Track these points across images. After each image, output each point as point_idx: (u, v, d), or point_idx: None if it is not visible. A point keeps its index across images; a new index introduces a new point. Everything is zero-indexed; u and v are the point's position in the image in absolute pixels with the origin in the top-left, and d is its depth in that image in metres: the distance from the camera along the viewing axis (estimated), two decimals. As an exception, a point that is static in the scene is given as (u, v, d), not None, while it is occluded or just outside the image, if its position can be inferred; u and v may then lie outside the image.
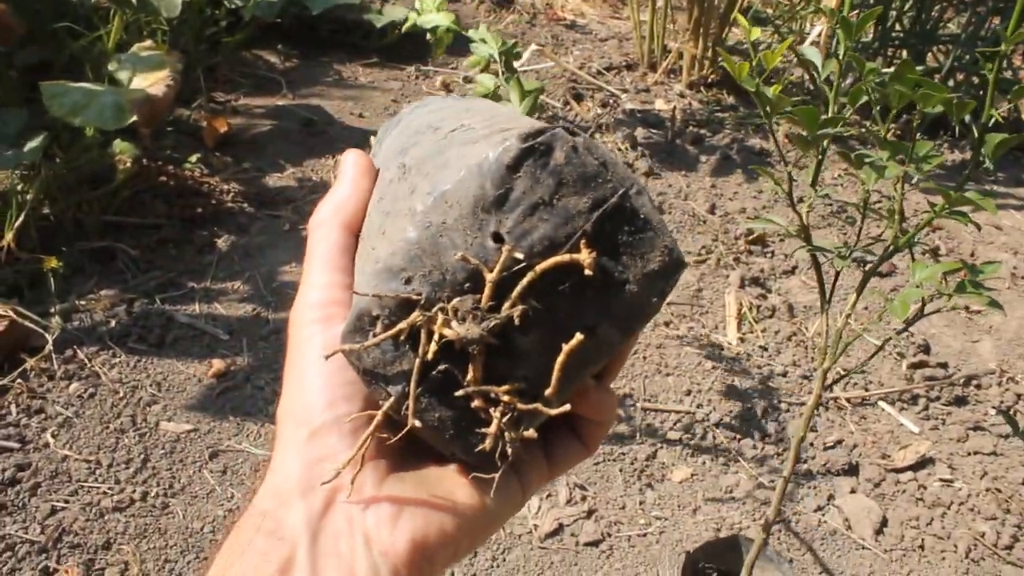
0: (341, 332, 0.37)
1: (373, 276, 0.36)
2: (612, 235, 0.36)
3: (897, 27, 2.61)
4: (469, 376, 0.36)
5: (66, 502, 1.36)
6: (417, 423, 0.37)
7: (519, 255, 0.34)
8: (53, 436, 1.46)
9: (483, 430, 0.37)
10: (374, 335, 0.36)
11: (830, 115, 0.91)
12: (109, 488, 1.40)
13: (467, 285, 0.35)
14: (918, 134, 0.87)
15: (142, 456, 1.45)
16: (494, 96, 1.13)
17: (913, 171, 0.90)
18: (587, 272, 0.35)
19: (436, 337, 0.35)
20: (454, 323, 0.35)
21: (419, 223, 0.35)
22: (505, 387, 0.36)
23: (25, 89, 1.90)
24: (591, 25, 3.09)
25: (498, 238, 0.35)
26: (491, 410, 0.37)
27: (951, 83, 2.52)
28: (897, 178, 0.91)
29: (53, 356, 1.59)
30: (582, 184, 0.35)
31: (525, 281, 0.35)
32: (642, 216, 0.36)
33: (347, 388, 0.39)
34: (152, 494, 1.40)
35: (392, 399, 0.37)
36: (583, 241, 0.35)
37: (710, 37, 2.65)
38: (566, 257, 0.35)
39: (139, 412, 1.53)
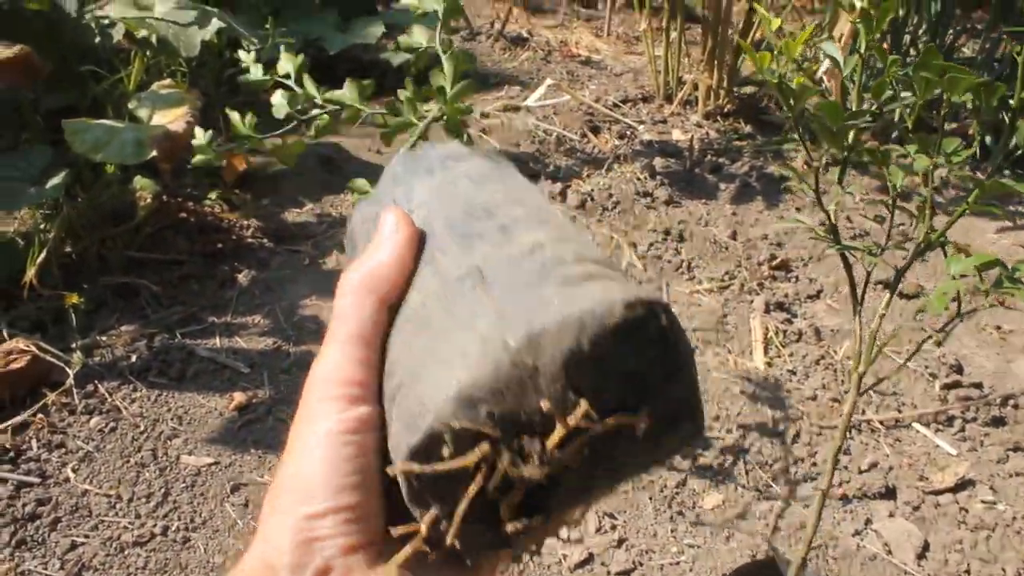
0: (408, 448, 0.36)
1: (452, 402, 0.35)
2: (665, 400, 0.37)
3: (912, 52, 2.61)
4: (508, 505, 0.37)
5: (86, 537, 1.34)
6: (457, 544, 0.37)
7: (594, 414, 0.35)
8: (74, 471, 1.45)
9: (504, 549, 0.38)
10: (439, 458, 0.35)
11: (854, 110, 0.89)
12: (129, 523, 1.37)
13: (537, 427, 0.36)
14: (945, 123, 0.85)
15: (163, 490, 1.43)
16: (423, 58, 1.11)
17: (942, 161, 0.89)
18: (639, 434, 0.36)
19: (500, 473, 0.35)
20: (519, 463, 0.36)
21: (507, 359, 0.35)
22: (540, 517, 0.37)
23: (51, 132, 1.91)
24: (606, 61, 3.10)
25: (579, 392, 0.35)
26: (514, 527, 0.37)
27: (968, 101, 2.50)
28: (926, 172, 0.89)
29: (74, 391, 1.58)
30: (661, 356, 0.37)
31: (591, 433, 0.36)
32: (690, 388, 0.38)
33: (355, 478, 0.38)
34: (173, 528, 1.38)
35: (433, 514, 0.37)
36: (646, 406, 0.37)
37: (725, 68, 2.65)
38: (631, 419, 0.36)
39: (160, 446, 1.51)
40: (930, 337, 0.91)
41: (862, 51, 0.96)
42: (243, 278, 1.92)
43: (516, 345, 0.35)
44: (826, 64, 2.53)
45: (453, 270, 0.39)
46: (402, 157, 0.50)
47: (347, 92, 1.10)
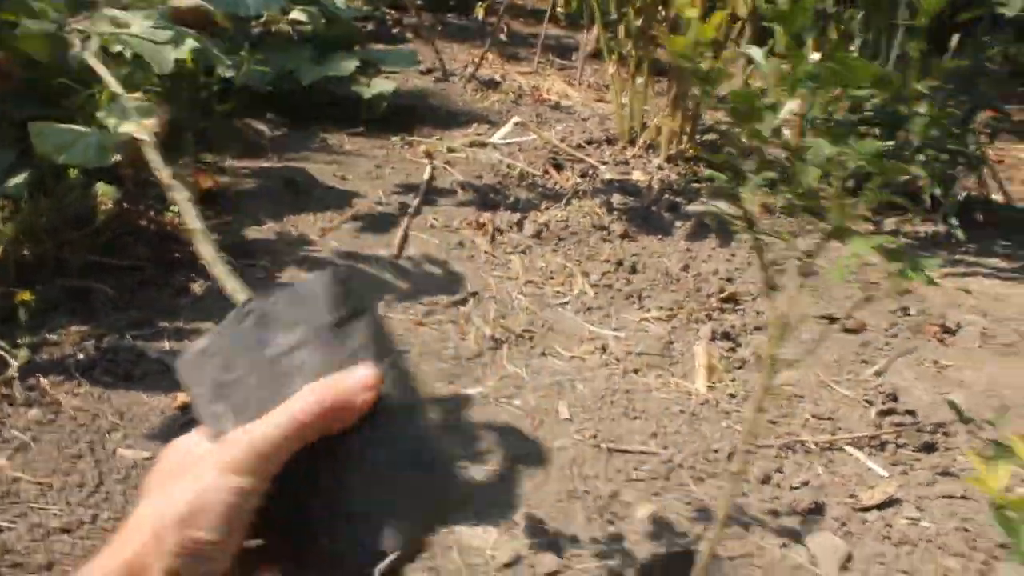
0: (378, 568, 0.48)
1: (408, 553, 0.49)
2: None
3: (868, 107, 2.70)
4: None
5: (12, 523, 1.34)
6: None
7: None
8: (7, 459, 1.44)
9: None
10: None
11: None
12: (59, 510, 1.37)
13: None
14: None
15: (96, 481, 1.43)
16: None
17: (850, 156, 0.93)
18: None
19: None
20: None
21: (428, 530, 0.52)
22: None
23: (19, 141, 1.95)
24: (575, 107, 3.19)
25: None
26: None
27: (921, 157, 2.60)
28: (835, 161, 0.94)
29: (16, 382, 1.58)
30: None
31: None
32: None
33: (237, 525, 0.46)
34: (103, 517, 1.37)
35: None
36: None
37: (688, 114, 2.74)
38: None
39: (98, 439, 1.51)
40: (841, 319, 0.95)
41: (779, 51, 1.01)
42: (198, 287, 1.94)
43: (437, 526, 0.52)
44: (784, 111, 2.62)
45: (402, 446, 0.50)
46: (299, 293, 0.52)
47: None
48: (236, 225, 2.22)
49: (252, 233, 2.20)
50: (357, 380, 0.47)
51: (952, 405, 1.02)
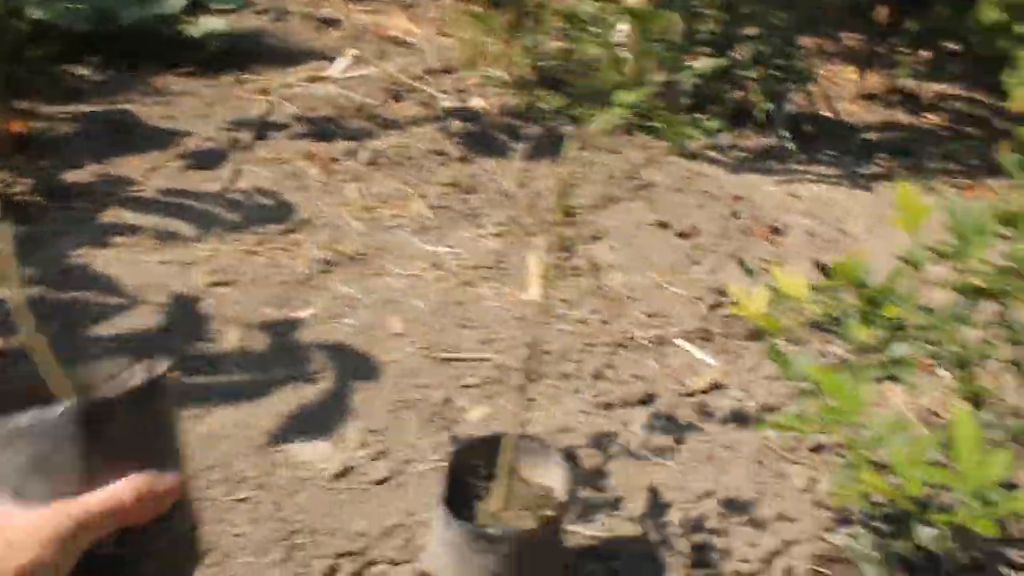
0: None
1: None
2: None
3: (703, 28, 2.76)
4: None
5: None
6: None
7: None
8: None
9: None
10: None
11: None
12: None
13: None
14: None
15: None
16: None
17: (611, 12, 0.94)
18: None
19: None
20: None
21: None
22: None
23: None
24: (417, 42, 3.14)
25: None
26: None
27: (753, 73, 2.68)
28: (606, 23, 0.94)
29: None
30: None
31: None
32: None
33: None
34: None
35: None
36: None
37: (524, 43, 2.74)
38: None
39: None
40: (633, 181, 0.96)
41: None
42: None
43: None
44: (619, 31, 2.65)
45: (188, 530, 0.59)
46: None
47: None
48: (53, 170, 2.09)
49: (71, 176, 2.08)
50: (169, 482, 0.54)
51: (741, 263, 1.05)
